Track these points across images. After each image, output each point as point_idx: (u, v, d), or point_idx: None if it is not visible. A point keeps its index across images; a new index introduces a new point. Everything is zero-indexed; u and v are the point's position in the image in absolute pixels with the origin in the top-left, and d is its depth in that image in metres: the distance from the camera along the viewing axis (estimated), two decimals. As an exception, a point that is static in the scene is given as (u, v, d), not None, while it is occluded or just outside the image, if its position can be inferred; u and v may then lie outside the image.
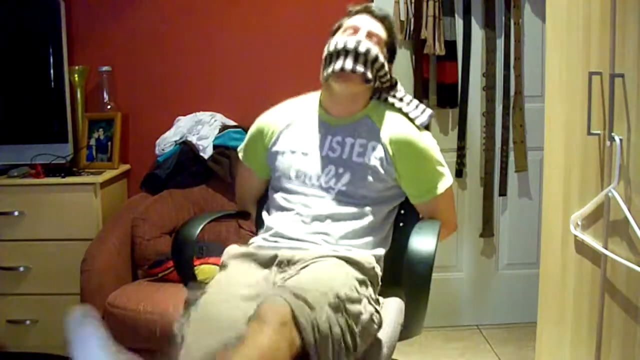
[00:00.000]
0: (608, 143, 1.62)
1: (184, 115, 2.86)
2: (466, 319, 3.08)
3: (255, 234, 1.87)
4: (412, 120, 1.74)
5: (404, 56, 2.90)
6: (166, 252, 2.41)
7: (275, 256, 1.57)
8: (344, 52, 1.64)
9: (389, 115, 1.74)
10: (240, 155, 1.92)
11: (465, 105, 2.92)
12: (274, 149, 1.78)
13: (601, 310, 1.70)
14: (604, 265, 1.69)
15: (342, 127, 1.73)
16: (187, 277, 1.77)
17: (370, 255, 1.64)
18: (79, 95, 2.83)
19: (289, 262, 1.55)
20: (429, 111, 1.77)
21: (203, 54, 2.92)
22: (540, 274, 2.13)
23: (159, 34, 2.91)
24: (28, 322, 2.55)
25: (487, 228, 3.01)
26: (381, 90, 1.78)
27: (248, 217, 1.97)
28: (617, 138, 1.57)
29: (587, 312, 1.78)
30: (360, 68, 1.64)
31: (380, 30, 1.74)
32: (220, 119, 2.84)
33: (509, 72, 2.90)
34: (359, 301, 1.43)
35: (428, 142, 1.73)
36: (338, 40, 1.67)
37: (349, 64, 1.63)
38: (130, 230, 2.47)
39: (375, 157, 1.67)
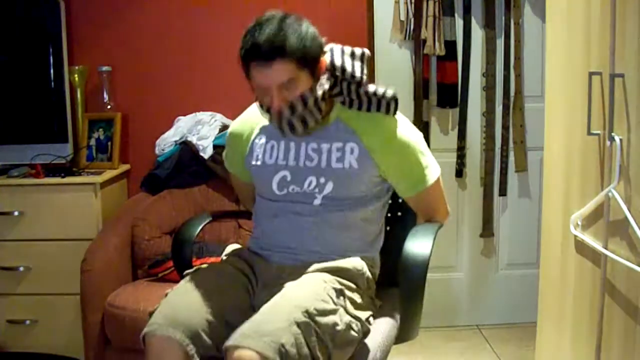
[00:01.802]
0: (608, 143, 1.62)
1: (184, 115, 2.86)
2: (466, 319, 3.08)
3: None
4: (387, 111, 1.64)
5: (404, 56, 2.90)
6: (166, 252, 2.41)
7: (262, 269, 1.62)
8: (279, 127, 1.56)
9: (361, 112, 1.65)
10: (225, 164, 1.92)
11: (465, 105, 2.92)
12: (250, 160, 1.73)
13: (601, 310, 1.70)
14: (604, 265, 1.69)
15: (316, 133, 1.63)
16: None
17: (359, 259, 1.62)
18: (79, 95, 2.83)
19: (274, 276, 1.58)
20: (390, 92, 1.61)
21: (203, 54, 2.92)
22: (540, 274, 2.13)
23: (159, 34, 2.91)
24: (28, 322, 2.55)
25: (487, 228, 3.01)
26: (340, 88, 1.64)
27: (251, 216, 1.97)
28: (617, 138, 1.57)
29: (587, 312, 1.78)
30: (299, 127, 1.55)
31: (284, 68, 1.48)
32: (220, 119, 2.84)
33: (509, 72, 2.90)
34: (333, 312, 1.43)
35: (408, 132, 1.66)
36: (268, 117, 1.59)
37: (288, 132, 1.56)
38: (130, 230, 2.47)
39: (354, 159, 1.62)
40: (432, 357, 2.75)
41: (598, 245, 1.69)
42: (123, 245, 2.43)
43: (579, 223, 1.81)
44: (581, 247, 1.82)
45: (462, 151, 2.94)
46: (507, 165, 2.96)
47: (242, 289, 1.59)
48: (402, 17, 2.85)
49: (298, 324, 1.34)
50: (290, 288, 1.47)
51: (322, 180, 1.63)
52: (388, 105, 1.62)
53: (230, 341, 1.32)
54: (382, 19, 2.89)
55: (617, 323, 1.63)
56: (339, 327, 1.41)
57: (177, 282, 2.24)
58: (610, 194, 1.60)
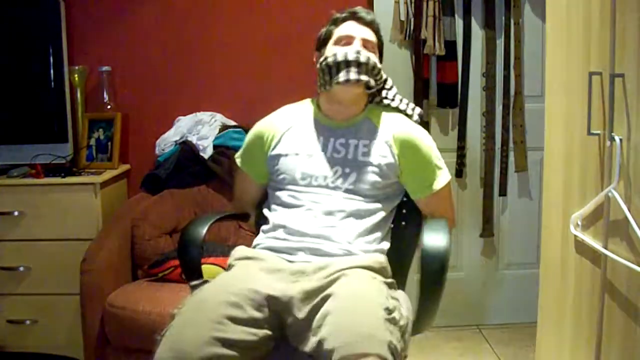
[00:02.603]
0: (608, 143, 1.62)
1: (184, 115, 2.86)
2: (466, 319, 3.08)
3: (255, 234, 1.87)
4: (409, 116, 1.83)
5: (404, 56, 2.90)
6: (166, 252, 2.41)
7: (285, 267, 1.59)
8: (346, 63, 1.69)
9: (388, 114, 1.81)
10: (238, 161, 1.93)
11: (465, 105, 2.92)
12: (276, 152, 1.79)
13: (601, 310, 1.70)
14: (604, 265, 1.69)
15: (344, 129, 1.77)
16: (194, 278, 1.70)
17: (379, 254, 1.67)
18: (79, 95, 2.83)
19: (303, 273, 1.56)
20: (418, 109, 1.86)
21: (203, 54, 2.92)
22: (540, 274, 2.13)
23: (159, 34, 2.91)
24: (28, 322, 2.55)
25: (487, 228, 3.01)
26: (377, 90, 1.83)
27: (247, 218, 1.98)
28: (617, 138, 1.57)
29: (587, 312, 1.78)
30: (364, 77, 1.70)
31: (371, 35, 1.78)
32: (220, 119, 2.85)
33: (509, 72, 2.90)
34: (397, 308, 1.48)
35: (428, 138, 1.79)
36: (337, 52, 1.71)
37: (354, 74, 1.69)
38: (130, 230, 2.47)
39: (380, 156, 1.72)
40: (432, 357, 2.75)
41: (598, 245, 1.69)
42: (123, 245, 2.43)
43: (579, 223, 1.81)
44: (581, 247, 1.82)
45: (462, 151, 2.94)
46: (507, 165, 2.96)
47: (251, 314, 1.47)
48: (402, 17, 2.85)
49: (388, 321, 1.39)
50: (354, 288, 1.48)
51: (347, 170, 1.71)
52: (413, 110, 1.85)
53: (339, 352, 1.29)
54: (382, 19, 2.87)
55: (617, 323, 1.63)
56: (402, 322, 1.47)
57: (177, 282, 2.26)
58: (610, 194, 1.60)
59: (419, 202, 1.79)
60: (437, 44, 2.80)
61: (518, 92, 2.91)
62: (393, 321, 1.41)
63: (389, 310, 1.42)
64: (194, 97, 2.92)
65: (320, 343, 1.36)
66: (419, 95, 2.86)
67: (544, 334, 2.11)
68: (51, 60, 2.72)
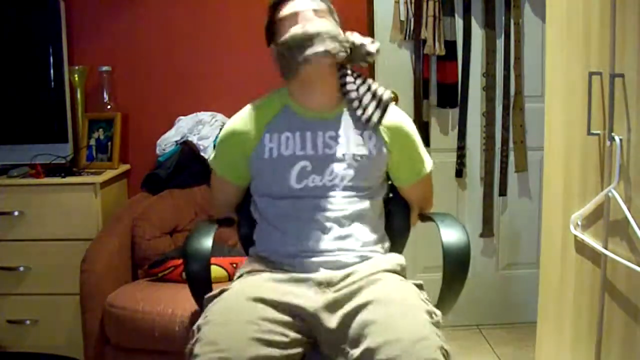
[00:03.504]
0: (608, 143, 1.62)
1: (185, 115, 2.86)
2: (466, 319, 3.08)
3: (241, 240, 1.82)
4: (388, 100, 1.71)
5: (404, 56, 2.90)
6: (166, 252, 2.41)
7: (310, 277, 1.53)
8: (308, 37, 1.55)
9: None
10: (213, 166, 1.78)
11: (465, 105, 2.92)
12: (262, 155, 1.64)
13: (601, 310, 1.70)
14: (604, 265, 1.69)
15: (330, 121, 1.64)
16: (201, 293, 1.59)
17: (395, 254, 1.67)
18: (79, 95, 2.83)
19: (329, 283, 1.51)
20: (386, 95, 1.70)
21: (203, 54, 2.92)
22: (540, 274, 2.13)
23: (159, 34, 2.91)
24: (28, 322, 2.55)
25: (487, 228, 3.01)
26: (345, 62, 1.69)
27: (233, 223, 1.84)
28: (617, 138, 1.57)
29: (587, 312, 1.78)
30: (331, 45, 1.56)
31: (316, 3, 1.63)
32: (220, 119, 2.84)
33: (509, 72, 2.90)
34: (433, 309, 1.48)
35: (412, 123, 1.74)
36: (292, 31, 1.58)
37: (320, 46, 1.55)
38: (130, 230, 2.47)
39: (374, 146, 1.64)
40: (432, 357, 2.75)
41: (598, 245, 1.69)
42: (123, 245, 2.43)
43: (579, 223, 1.81)
44: (581, 247, 1.82)
45: (462, 151, 2.94)
46: (507, 165, 2.96)
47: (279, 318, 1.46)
48: (402, 17, 2.85)
49: (433, 324, 1.40)
50: (390, 294, 1.46)
51: (344, 166, 1.61)
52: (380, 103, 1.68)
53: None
54: (382, 19, 2.89)
55: (617, 323, 1.63)
56: (441, 320, 1.47)
57: (177, 282, 2.25)
58: (610, 194, 1.60)
59: (406, 189, 1.75)
60: (437, 44, 2.80)
61: (518, 92, 2.91)
62: (437, 325, 1.41)
63: (432, 314, 1.43)
64: (195, 97, 2.91)
65: (368, 353, 1.32)
66: (419, 95, 2.86)
67: (544, 334, 2.11)
68: (51, 60, 2.72)
